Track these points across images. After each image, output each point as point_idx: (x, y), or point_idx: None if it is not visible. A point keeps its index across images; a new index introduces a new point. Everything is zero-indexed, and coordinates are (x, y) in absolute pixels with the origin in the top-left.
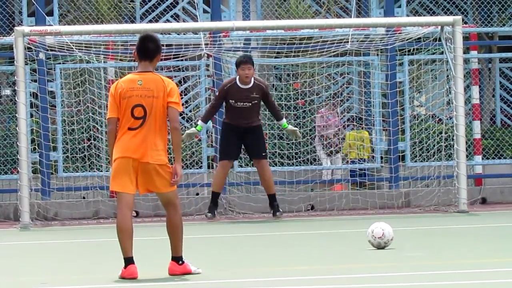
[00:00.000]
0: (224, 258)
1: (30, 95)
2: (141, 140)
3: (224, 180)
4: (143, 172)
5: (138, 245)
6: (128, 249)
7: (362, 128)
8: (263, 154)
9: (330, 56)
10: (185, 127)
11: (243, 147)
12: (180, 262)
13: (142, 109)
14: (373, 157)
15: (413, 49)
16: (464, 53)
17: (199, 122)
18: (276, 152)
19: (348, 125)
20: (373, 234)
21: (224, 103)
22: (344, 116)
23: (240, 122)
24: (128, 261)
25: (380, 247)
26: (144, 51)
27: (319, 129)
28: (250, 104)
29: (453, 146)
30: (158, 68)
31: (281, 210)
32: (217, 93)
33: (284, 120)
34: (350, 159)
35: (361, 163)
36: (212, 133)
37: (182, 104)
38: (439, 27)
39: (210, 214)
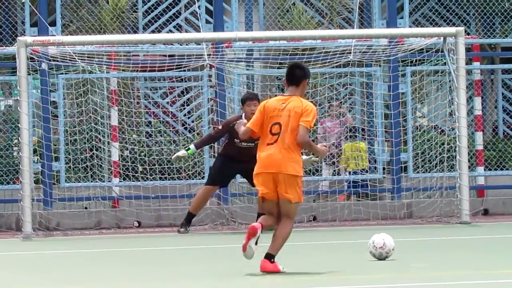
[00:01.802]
0: (226, 268)
1: (33, 105)
2: (276, 153)
3: (204, 205)
4: (279, 182)
5: (140, 255)
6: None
7: (365, 139)
8: None
9: (333, 67)
10: (187, 137)
11: (238, 175)
12: (272, 260)
13: (279, 126)
14: (375, 168)
15: (416, 60)
16: (466, 64)
17: (191, 146)
18: None
19: (350, 136)
20: (374, 245)
21: (226, 138)
22: (348, 124)
23: (240, 158)
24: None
25: (381, 257)
26: (291, 77)
27: (319, 139)
28: (253, 144)
29: (455, 157)
30: (160, 79)
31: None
32: (220, 127)
33: None
34: (350, 170)
35: (363, 174)
36: (214, 144)
37: (185, 115)
38: (442, 38)
39: (182, 229)
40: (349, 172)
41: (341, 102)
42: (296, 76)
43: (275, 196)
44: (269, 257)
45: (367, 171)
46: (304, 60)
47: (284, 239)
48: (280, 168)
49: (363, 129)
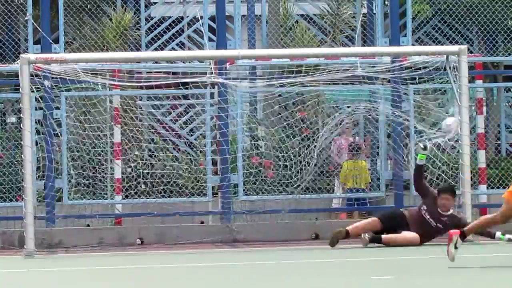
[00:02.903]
0: (227, 286)
1: (36, 122)
2: None
3: (362, 231)
4: None
5: (143, 273)
6: None
7: (367, 157)
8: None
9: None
10: (188, 153)
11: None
12: (463, 238)
13: None
14: (378, 186)
15: (419, 78)
16: (469, 82)
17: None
18: (281, 181)
19: (353, 154)
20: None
21: (421, 199)
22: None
23: (413, 226)
24: None
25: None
26: None
27: (334, 156)
28: (435, 225)
29: (458, 175)
30: (163, 97)
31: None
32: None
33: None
34: (348, 188)
35: (366, 192)
36: (217, 161)
37: (187, 133)
38: (445, 56)
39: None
40: (347, 190)
41: (351, 119)
42: None
43: None
44: (462, 235)
45: (370, 189)
46: (307, 78)
47: (480, 223)
48: None
49: (359, 147)
